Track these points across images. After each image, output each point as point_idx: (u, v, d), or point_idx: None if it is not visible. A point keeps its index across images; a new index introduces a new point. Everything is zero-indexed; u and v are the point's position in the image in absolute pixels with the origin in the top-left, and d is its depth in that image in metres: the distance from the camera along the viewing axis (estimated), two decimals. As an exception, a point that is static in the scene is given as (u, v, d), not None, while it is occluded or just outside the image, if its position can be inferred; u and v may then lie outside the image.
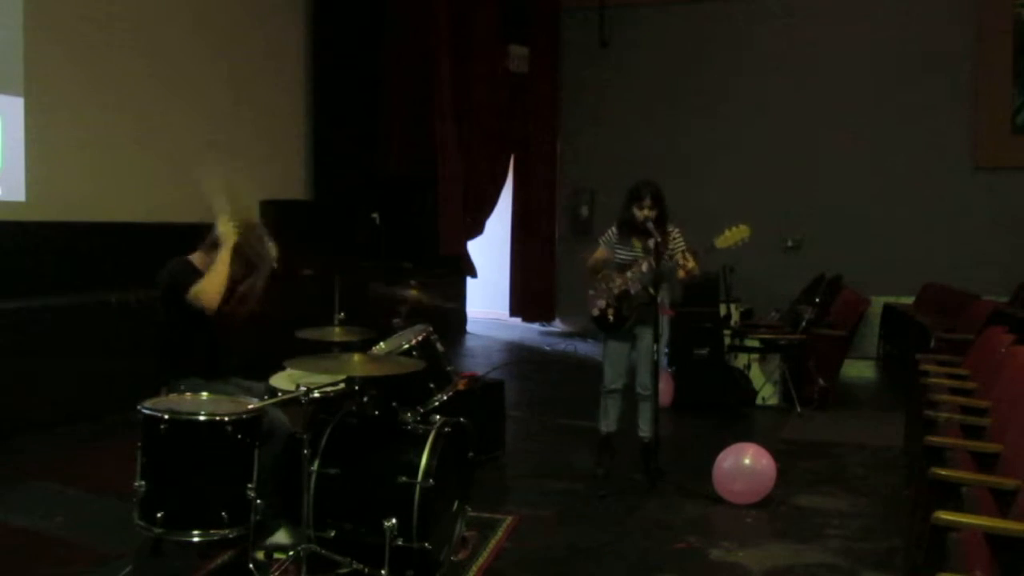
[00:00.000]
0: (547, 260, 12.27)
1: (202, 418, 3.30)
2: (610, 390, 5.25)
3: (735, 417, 6.88)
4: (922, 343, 7.20)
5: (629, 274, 5.00)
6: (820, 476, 5.36)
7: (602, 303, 5.06)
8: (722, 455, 4.81)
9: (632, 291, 4.97)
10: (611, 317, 5.04)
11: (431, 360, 3.93)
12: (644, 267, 4.92)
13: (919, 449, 3.84)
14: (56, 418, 5.85)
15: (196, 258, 3.97)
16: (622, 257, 5.08)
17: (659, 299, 4.93)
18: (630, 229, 5.04)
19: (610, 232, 5.18)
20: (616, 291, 5.02)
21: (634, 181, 5.13)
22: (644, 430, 5.14)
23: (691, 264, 4.79)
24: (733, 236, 4.79)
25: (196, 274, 3.80)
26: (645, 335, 5.00)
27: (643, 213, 4.92)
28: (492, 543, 4.05)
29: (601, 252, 5.17)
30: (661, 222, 4.96)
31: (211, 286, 3.70)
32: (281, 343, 3.93)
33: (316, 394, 3.40)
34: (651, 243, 4.89)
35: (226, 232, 3.79)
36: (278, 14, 9.61)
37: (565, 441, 6.14)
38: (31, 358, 5.79)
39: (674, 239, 5.03)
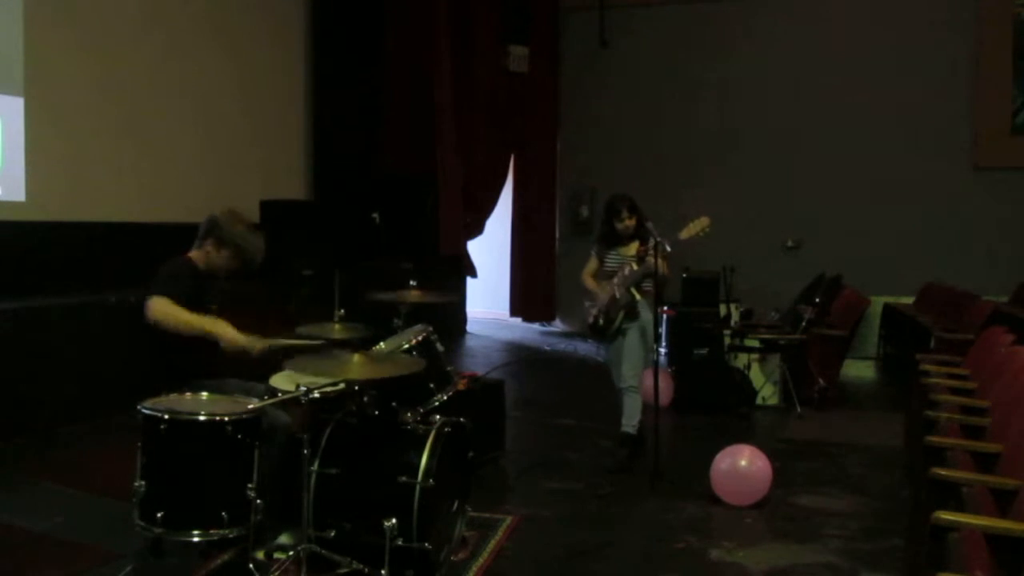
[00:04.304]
0: (547, 260, 12.27)
1: (202, 418, 3.30)
2: (620, 388, 5.48)
3: (735, 417, 6.88)
4: (922, 343, 7.20)
5: (615, 280, 5.35)
6: (820, 476, 5.37)
7: (595, 311, 5.45)
8: (719, 457, 4.81)
9: (618, 295, 5.31)
10: (602, 322, 5.43)
11: (431, 360, 3.93)
12: (626, 271, 5.29)
13: (919, 449, 3.84)
14: (56, 418, 5.84)
15: (196, 255, 3.98)
16: (609, 265, 5.46)
17: (639, 298, 5.26)
18: (614, 240, 5.42)
19: (596, 245, 5.58)
20: (606, 298, 5.39)
21: (608, 195, 5.52)
22: (626, 424, 5.39)
23: (664, 270, 5.14)
24: (695, 228, 5.13)
25: (181, 278, 3.81)
26: (631, 332, 5.34)
27: (625, 224, 5.30)
28: (492, 543, 4.05)
29: (593, 263, 5.57)
30: (640, 227, 5.28)
31: (168, 318, 3.66)
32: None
33: (316, 394, 3.40)
34: (650, 246, 5.09)
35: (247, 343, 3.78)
36: (279, 14, 9.60)
37: (565, 441, 6.14)
38: (31, 358, 5.78)
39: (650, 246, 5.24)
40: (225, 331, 3.74)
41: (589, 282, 5.53)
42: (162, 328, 3.68)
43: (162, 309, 3.67)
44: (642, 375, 5.42)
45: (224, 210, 4.02)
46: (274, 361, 3.93)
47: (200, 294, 3.89)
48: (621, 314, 5.30)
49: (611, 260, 5.43)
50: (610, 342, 5.50)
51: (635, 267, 5.21)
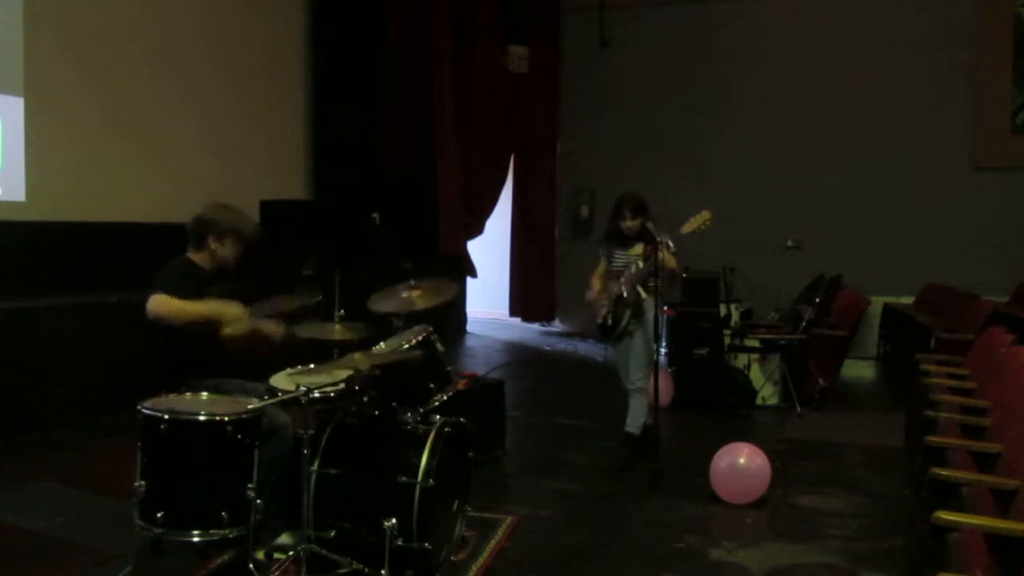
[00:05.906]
0: (547, 260, 12.27)
1: (202, 418, 3.30)
2: (627, 389, 5.52)
3: (735, 417, 6.87)
4: (922, 343, 7.20)
5: (622, 279, 5.34)
6: (820, 476, 5.37)
7: (604, 311, 5.44)
8: (718, 455, 4.82)
9: (624, 294, 5.30)
10: (610, 321, 5.42)
11: (431, 360, 3.93)
12: (633, 270, 5.28)
13: (919, 449, 3.84)
14: (56, 418, 5.84)
15: (198, 257, 3.97)
16: (616, 265, 5.45)
17: (646, 296, 5.24)
18: (619, 240, 5.40)
19: (602, 245, 5.55)
20: (613, 297, 5.39)
21: (618, 194, 5.47)
22: (630, 425, 5.44)
23: (671, 264, 5.15)
24: (696, 222, 5.12)
25: (182, 277, 3.80)
26: (637, 332, 5.35)
27: (627, 224, 5.27)
28: (492, 543, 4.05)
29: (602, 265, 5.56)
30: (647, 228, 5.19)
31: (170, 311, 3.64)
32: (281, 343, 3.93)
33: (316, 394, 3.40)
34: (651, 247, 5.12)
35: (238, 319, 3.76)
36: (278, 14, 9.60)
37: (565, 441, 6.14)
38: (31, 358, 5.78)
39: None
40: (229, 309, 3.72)
41: (596, 284, 5.50)
42: (164, 324, 3.66)
43: (161, 303, 3.65)
44: (649, 375, 5.40)
45: (207, 205, 4.04)
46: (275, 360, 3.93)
47: (200, 295, 3.89)
48: (628, 313, 5.29)
49: (617, 260, 5.43)
50: (616, 343, 5.49)
51: (641, 265, 5.21)
